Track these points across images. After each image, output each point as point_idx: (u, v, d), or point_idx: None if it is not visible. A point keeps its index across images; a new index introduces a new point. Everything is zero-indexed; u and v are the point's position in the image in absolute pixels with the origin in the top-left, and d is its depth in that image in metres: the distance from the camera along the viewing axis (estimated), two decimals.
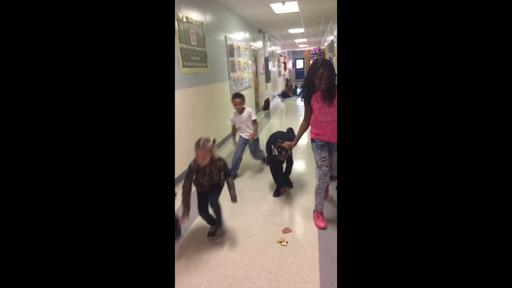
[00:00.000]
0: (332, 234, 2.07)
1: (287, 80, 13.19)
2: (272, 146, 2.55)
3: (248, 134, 3.22)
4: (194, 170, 1.93)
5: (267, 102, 8.54)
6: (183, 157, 3.39)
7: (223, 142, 4.80)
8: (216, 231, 2.13)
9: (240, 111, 3.11)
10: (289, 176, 2.90)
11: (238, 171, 3.34)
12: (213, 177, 1.98)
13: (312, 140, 2.13)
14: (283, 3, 5.01)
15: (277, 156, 2.52)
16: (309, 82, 1.99)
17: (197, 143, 1.85)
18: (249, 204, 2.65)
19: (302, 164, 3.66)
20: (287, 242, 2.00)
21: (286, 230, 2.14)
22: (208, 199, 2.01)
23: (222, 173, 2.01)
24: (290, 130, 2.91)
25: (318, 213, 2.21)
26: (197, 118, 3.76)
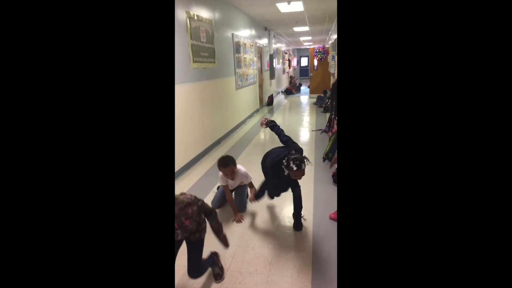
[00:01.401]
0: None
1: (291, 78, 13.39)
2: (285, 162, 1.80)
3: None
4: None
5: (271, 98, 8.77)
6: (191, 147, 3.65)
7: (227, 135, 5.05)
8: (221, 272, 1.75)
9: (233, 177, 2.33)
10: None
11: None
12: (186, 228, 1.50)
13: None
14: (289, 2, 5.21)
15: (293, 173, 1.78)
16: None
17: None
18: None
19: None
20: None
21: None
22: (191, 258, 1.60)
23: (200, 218, 1.54)
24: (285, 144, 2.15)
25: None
26: (204, 110, 4.01)
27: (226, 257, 1.88)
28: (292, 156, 1.79)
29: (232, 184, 2.45)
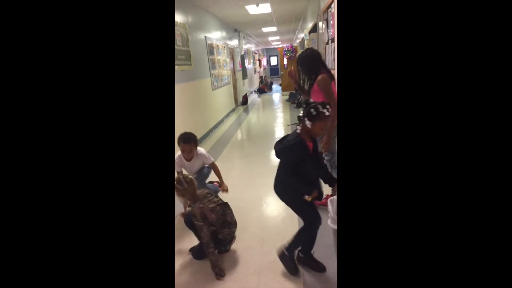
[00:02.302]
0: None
1: (261, 77, 13.71)
2: (305, 112, 1.44)
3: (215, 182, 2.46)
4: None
5: (245, 98, 9.00)
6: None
7: (207, 134, 5.20)
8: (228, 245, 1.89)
9: (189, 157, 2.21)
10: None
11: None
12: (212, 222, 1.77)
13: None
14: (257, 4, 5.46)
15: (320, 124, 1.39)
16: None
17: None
18: None
19: None
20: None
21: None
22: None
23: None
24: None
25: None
26: (184, 111, 4.15)
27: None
28: (309, 108, 1.43)
29: (190, 167, 2.26)
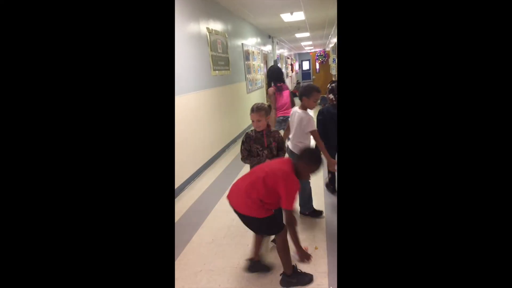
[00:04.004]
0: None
1: (297, 82, 14.01)
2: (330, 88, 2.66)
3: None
4: (251, 138, 1.94)
5: None
6: (212, 145, 4.19)
7: (241, 134, 5.59)
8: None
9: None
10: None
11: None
12: (272, 151, 1.93)
13: None
14: (291, 13, 5.77)
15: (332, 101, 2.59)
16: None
17: (252, 108, 1.86)
18: None
19: None
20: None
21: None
22: None
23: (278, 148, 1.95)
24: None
25: None
26: (222, 112, 4.55)
27: None
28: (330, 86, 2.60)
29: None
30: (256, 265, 1.79)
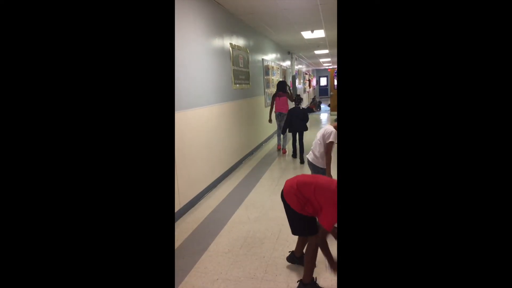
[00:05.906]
0: None
1: (314, 98, 14.09)
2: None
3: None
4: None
5: None
6: (230, 155, 4.28)
7: (258, 147, 5.65)
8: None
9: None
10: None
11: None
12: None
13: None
14: (312, 31, 5.90)
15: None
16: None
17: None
18: None
19: None
20: None
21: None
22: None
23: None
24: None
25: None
26: (242, 124, 4.65)
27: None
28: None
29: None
30: (294, 259, 1.96)
